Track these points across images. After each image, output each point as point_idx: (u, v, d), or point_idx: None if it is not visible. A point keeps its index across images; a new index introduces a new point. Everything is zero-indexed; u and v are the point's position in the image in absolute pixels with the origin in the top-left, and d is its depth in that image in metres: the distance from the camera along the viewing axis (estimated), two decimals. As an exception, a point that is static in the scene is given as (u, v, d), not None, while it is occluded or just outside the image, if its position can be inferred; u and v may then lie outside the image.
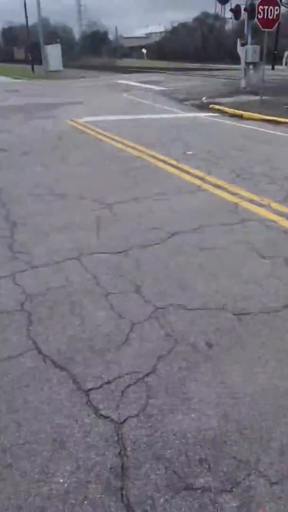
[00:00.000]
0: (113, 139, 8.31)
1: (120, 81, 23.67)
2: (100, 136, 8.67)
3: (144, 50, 54.44)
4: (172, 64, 39.28)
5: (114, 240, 3.89)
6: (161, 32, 68.41)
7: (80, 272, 3.31)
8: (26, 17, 33.42)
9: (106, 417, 1.93)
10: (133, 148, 7.58)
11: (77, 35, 76.47)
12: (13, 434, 1.85)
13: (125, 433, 1.87)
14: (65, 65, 34.57)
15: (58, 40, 36.91)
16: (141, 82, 22.12)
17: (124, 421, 1.92)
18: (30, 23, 34.94)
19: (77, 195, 5.13)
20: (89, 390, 2.09)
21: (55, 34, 46.77)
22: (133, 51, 63.27)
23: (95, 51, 56.43)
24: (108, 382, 2.14)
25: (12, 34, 78.73)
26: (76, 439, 1.83)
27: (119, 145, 7.82)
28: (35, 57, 32.35)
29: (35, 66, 32.27)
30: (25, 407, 2.00)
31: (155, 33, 70.66)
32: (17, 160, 6.89)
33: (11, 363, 2.29)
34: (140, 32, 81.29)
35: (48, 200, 5.00)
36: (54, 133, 8.99)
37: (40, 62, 31.85)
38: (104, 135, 8.71)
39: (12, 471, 1.68)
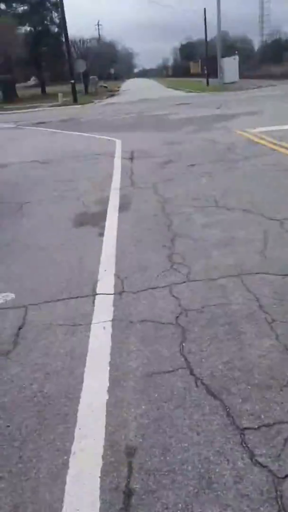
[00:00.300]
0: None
1: (299, 90, 22.66)
2: (274, 147, 8.36)
3: None
4: None
5: (283, 260, 3.60)
6: None
7: (240, 292, 3.14)
8: (206, 32, 35.19)
9: (263, 466, 1.72)
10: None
11: (256, 45, 76.91)
12: (158, 457, 1.80)
13: (285, 490, 1.63)
14: (242, 76, 34.92)
15: (236, 52, 37.62)
16: None
17: (286, 476, 1.68)
18: (208, 37, 36.66)
19: (244, 208, 4.98)
20: (245, 429, 1.91)
21: (233, 47, 47.83)
22: None
23: (276, 60, 55.49)
24: (268, 425, 1.91)
25: (189, 49, 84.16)
26: (226, 482, 1.67)
27: (295, 157, 7.38)
28: (211, 70, 33.65)
29: (210, 79, 33.49)
30: (172, 430, 1.94)
31: None
32: (183, 171, 7.13)
33: (162, 379, 2.27)
34: None
35: (210, 212, 4.98)
36: (223, 145, 9.05)
37: (216, 75, 32.94)
38: (280, 145, 8.36)
39: (154, 499, 1.62)
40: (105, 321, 2.86)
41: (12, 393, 2.27)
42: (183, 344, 2.56)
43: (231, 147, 8.69)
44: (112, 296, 3.24)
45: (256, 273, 3.41)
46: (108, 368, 2.38)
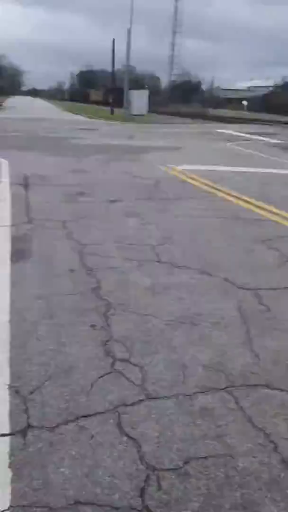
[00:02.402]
0: (228, 194, 7.18)
1: (221, 130, 22.78)
2: (206, 188, 7.64)
3: (244, 102, 56.38)
4: (280, 118, 37.13)
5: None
6: (267, 86, 68.35)
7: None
8: (113, 61, 35.08)
9: None
10: (259, 207, 6.38)
11: (164, 83, 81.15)
12: None
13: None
14: (151, 111, 35.35)
15: (146, 86, 38.31)
16: (248, 133, 21.07)
17: None
18: (112, 68, 36.69)
19: (199, 268, 3.93)
20: None
21: (140, 82, 49.47)
22: (229, 103, 63.69)
23: (185, 100, 58.75)
24: None
25: (90, 76, 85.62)
26: None
27: (241, 202, 6.67)
28: (115, 100, 33.69)
29: (115, 109, 33.38)
30: None
31: (260, 87, 70.62)
32: (103, 209, 5.94)
33: None
34: (241, 85, 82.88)
35: (147, 271, 3.83)
36: (146, 180, 8.10)
37: (120, 105, 32.99)
38: (213, 187, 7.66)
39: None
40: None
41: None
42: None
43: (156, 184, 7.78)
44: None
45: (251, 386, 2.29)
46: None
